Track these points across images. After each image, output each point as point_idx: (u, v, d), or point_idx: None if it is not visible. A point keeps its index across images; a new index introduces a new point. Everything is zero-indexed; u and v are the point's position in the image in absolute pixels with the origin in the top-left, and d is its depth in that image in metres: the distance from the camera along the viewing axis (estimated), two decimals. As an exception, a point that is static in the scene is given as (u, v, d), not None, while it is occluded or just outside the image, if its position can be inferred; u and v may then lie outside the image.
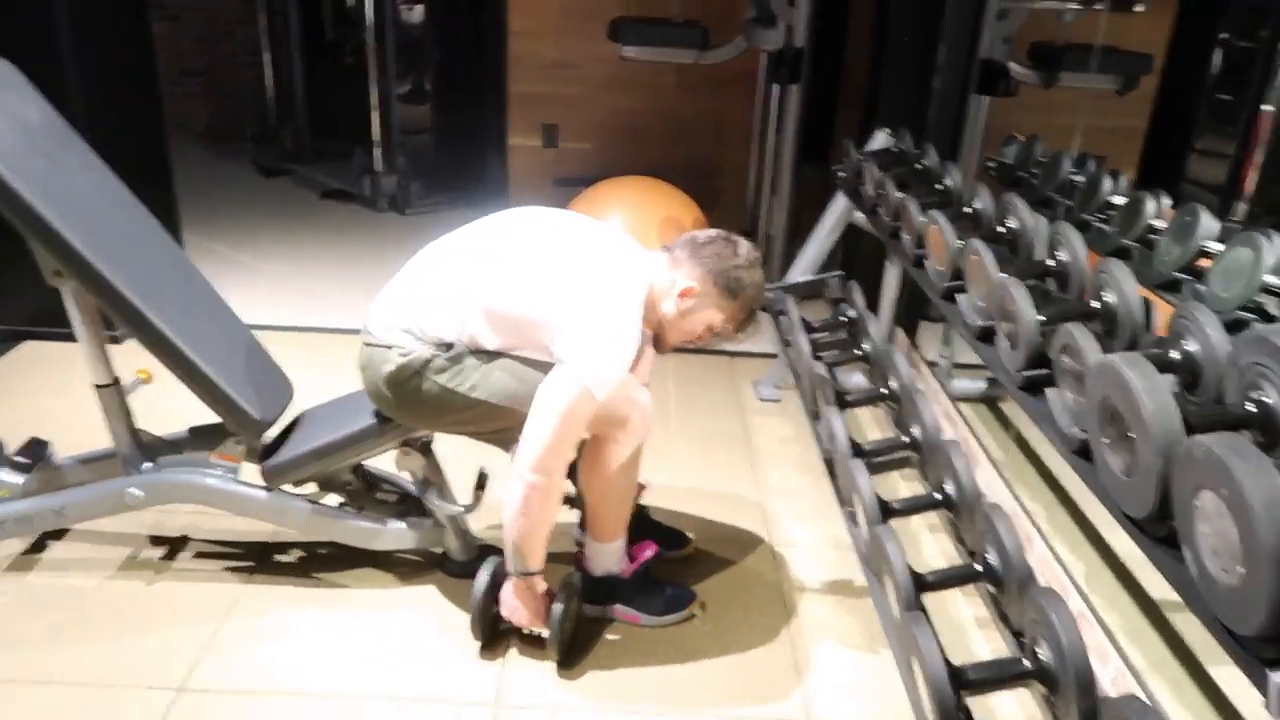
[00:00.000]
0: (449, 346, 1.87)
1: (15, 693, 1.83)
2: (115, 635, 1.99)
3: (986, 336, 1.86)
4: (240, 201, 5.27)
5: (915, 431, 2.01)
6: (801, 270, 3.17)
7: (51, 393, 2.94)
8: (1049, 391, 1.59)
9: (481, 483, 2.23)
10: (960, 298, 2.03)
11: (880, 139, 3.13)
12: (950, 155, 3.03)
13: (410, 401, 1.92)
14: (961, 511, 1.77)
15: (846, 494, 1.97)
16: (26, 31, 2.99)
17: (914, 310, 3.25)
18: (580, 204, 3.60)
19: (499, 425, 1.94)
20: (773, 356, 3.41)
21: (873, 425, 3.08)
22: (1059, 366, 1.55)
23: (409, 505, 2.25)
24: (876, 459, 2.03)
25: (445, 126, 5.48)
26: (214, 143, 6.47)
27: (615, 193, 3.57)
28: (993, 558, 1.61)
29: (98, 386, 2.09)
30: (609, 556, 2.07)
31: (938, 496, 1.83)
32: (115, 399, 2.11)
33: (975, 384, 3.34)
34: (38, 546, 2.24)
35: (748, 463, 2.85)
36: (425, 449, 2.15)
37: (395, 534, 2.15)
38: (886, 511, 1.80)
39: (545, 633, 1.95)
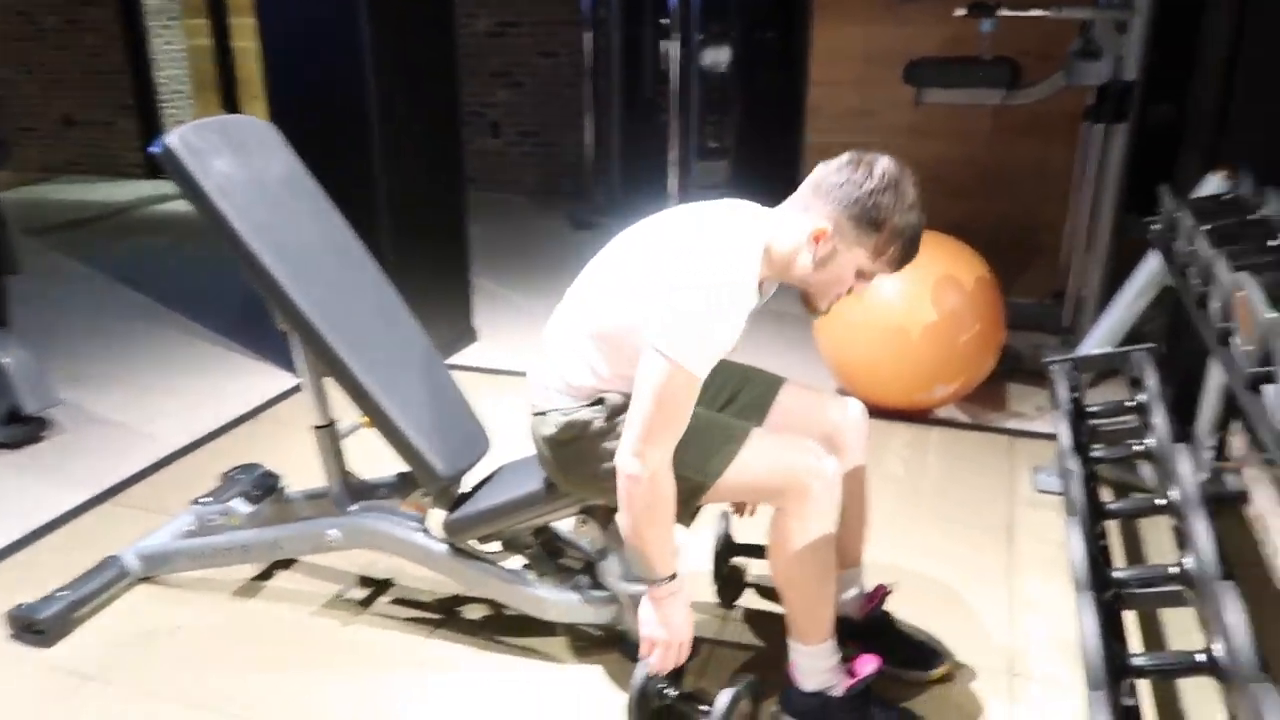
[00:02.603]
0: (600, 401, 1.72)
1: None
2: (302, 671, 2.04)
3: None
4: (545, 253, 5.53)
5: (1188, 562, 1.52)
6: (1097, 341, 2.64)
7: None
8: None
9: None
10: (1268, 389, 1.52)
11: (1212, 184, 2.54)
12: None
13: (571, 466, 1.79)
14: (1233, 684, 1.29)
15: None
16: (344, 99, 3.34)
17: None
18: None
19: None
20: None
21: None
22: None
23: (592, 576, 2.11)
24: (1132, 591, 1.57)
25: (742, 180, 5.42)
26: (540, 198, 6.93)
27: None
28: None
29: (315, 428, 2.19)
30: (817, 662, 1.76)
31: (1199, 659, 1.35)
32: (329, 441, 2.19)
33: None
34: (266, 574, 2.38)
35: (1002, 566, 2.38)
36: (608, 517, 2.00)
37: (564, 606, 2.02)
38: (1119, 669, 1.36)
39: (684, 655, 1.73)
